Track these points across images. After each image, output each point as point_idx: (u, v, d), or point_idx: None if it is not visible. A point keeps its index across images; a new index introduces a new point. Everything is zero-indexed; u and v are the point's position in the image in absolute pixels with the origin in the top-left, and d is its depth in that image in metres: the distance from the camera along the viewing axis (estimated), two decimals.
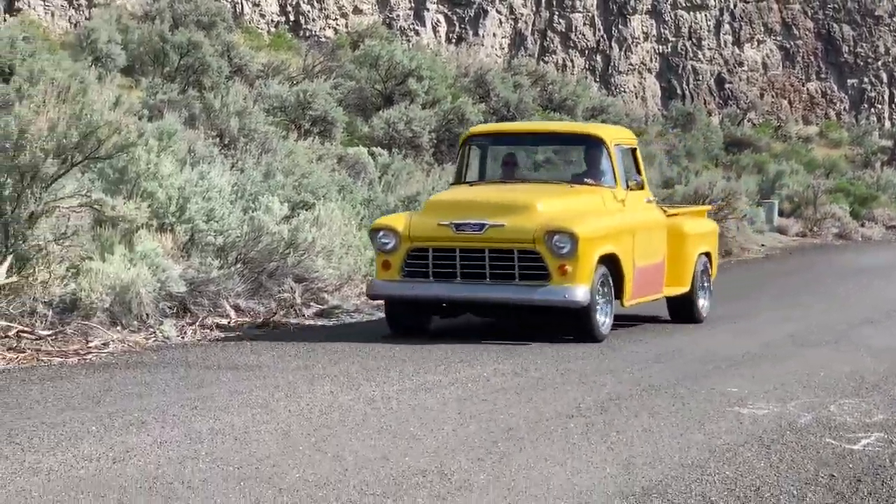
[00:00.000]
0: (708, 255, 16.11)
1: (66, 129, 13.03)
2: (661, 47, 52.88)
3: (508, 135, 16.15)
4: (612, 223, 14.02)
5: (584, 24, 50.60)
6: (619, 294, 13.91)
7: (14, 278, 12.57)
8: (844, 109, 57.91)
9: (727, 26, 54.85)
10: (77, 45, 29.22)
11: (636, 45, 51.94)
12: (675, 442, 8.43)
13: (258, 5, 40.72)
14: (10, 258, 12.63)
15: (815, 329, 15.15)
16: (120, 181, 14.83)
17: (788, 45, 56.63)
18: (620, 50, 51.48)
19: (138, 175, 14.87)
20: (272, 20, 41.02)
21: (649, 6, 51.99)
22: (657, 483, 7.32)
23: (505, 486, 7.20)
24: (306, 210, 17.03)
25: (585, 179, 14.53)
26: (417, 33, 45.19)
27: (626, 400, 9.98)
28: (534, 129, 17.12)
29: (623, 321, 14.80)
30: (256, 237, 15.42)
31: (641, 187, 14.87)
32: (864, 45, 58.10)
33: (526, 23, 49.12)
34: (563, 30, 50.15)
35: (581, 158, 15.13)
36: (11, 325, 12.19)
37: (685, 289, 15.47)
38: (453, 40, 46.67)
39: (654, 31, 52.59)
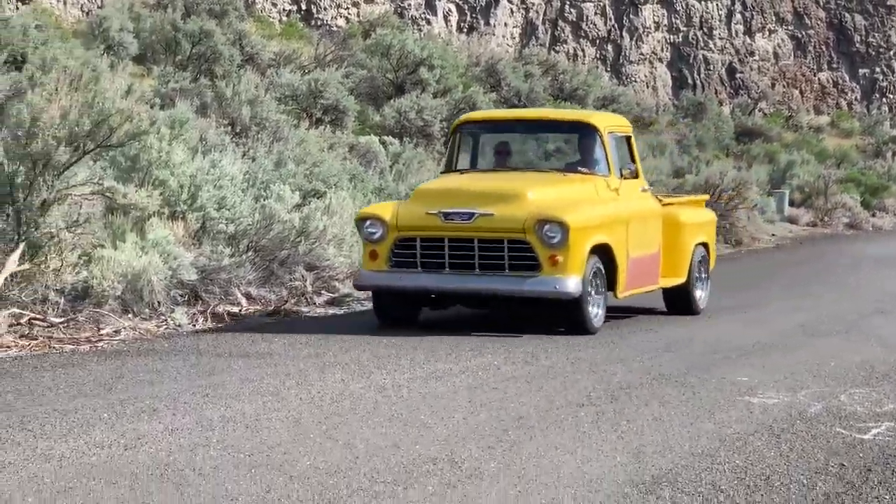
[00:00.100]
0: (705, 245, 15.77)
1: (78, 117, 13.04)
2: (672, 37, 52.81)
3: (499, 122, 15.78)
4: (605, 212, 13.68)
5: (596, 13, 50.55)
6: (612, 285, 13.58)
7: (26, 266, 12.60)
8: (856, 99, 57.82)
9: (738, 16, 54.76)
10: (89, 33, 29.23)
11: (647, 35, 51.88)
12: (686, 431, 8.43)
13: None
14: (22, 245, 12.65)
15: (826, 319, 15.13)
16: (132, 169, 14.85)
17: (800, 35, 56.53)
18: (631, 39, 51.42)
19: (150, 163, 14.89)
20: (284, 9, 41.03)
21: None
22: (667, 472, 7.33)
23: (515, 474, 7.22)
24: (317, 198, 17.05)
25: (578, 168, 14.21)
26: (429, 22, 45.18)
27: (636, 389, 9.99)
28: (526, 117, 16.85)
29: (618, 313, 14.66)
30: (268, 225, 15.42)
31: (636, 176, 14.51)
32: (876, 34, 57.98)
33: (537, 12, 49.08)
34: (574, 19, 50.11)
35: (574, 146, 14.86)
36: (24, 312, 12.22)
37: (681, 280, 15.15)
38: (465, 29, 46.64)
39: (666, 21, 52.52)
